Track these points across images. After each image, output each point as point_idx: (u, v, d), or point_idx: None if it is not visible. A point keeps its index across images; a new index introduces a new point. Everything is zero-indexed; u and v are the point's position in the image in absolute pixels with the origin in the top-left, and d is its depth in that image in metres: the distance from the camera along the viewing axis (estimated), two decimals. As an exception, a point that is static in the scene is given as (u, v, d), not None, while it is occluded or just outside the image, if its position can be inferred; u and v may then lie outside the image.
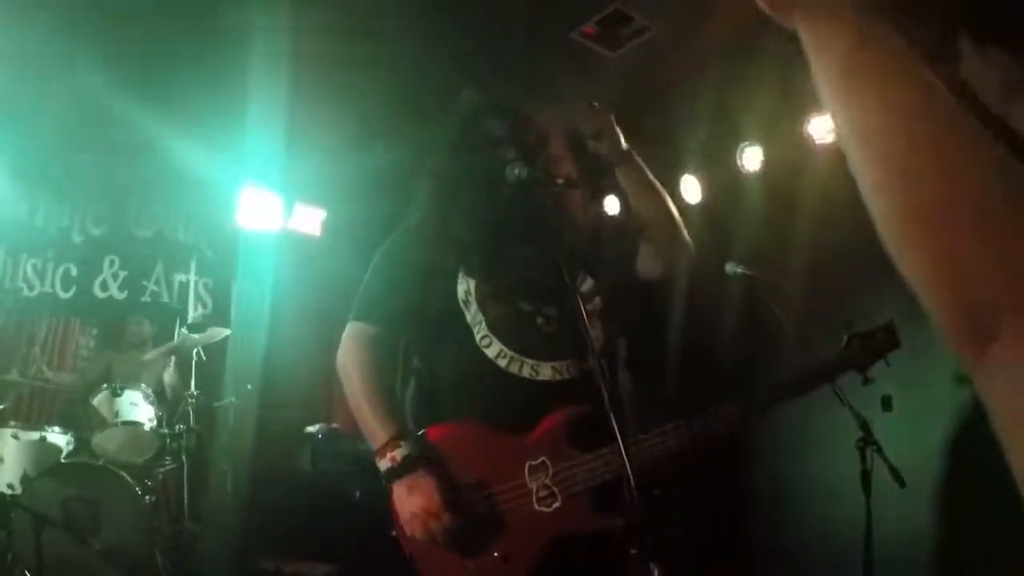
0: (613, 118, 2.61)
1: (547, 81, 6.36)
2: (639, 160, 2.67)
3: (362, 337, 2.60)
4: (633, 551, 2.00)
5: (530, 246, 2.56)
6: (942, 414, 5.63)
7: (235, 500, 7.09)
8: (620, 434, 1.98)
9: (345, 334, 2.64)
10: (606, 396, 2.03)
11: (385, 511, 2.47)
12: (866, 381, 2.68)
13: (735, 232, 6.18)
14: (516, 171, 2.39)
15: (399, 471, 2.37)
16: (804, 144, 6.41)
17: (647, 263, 2.74)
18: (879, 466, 4.63)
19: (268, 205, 8.22)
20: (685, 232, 2.73)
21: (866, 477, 4.82)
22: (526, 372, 2.48)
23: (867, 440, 4.57)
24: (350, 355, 2.59)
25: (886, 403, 5.59)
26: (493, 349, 2.49)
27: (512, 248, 2.59)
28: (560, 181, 2.50)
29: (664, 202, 2.70)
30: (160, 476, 6.65)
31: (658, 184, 2.70)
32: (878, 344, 2.60)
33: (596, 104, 2.61)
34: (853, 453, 4.86)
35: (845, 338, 2.60)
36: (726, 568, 5.77)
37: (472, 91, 2.80)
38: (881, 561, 4.78)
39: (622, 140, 2.64)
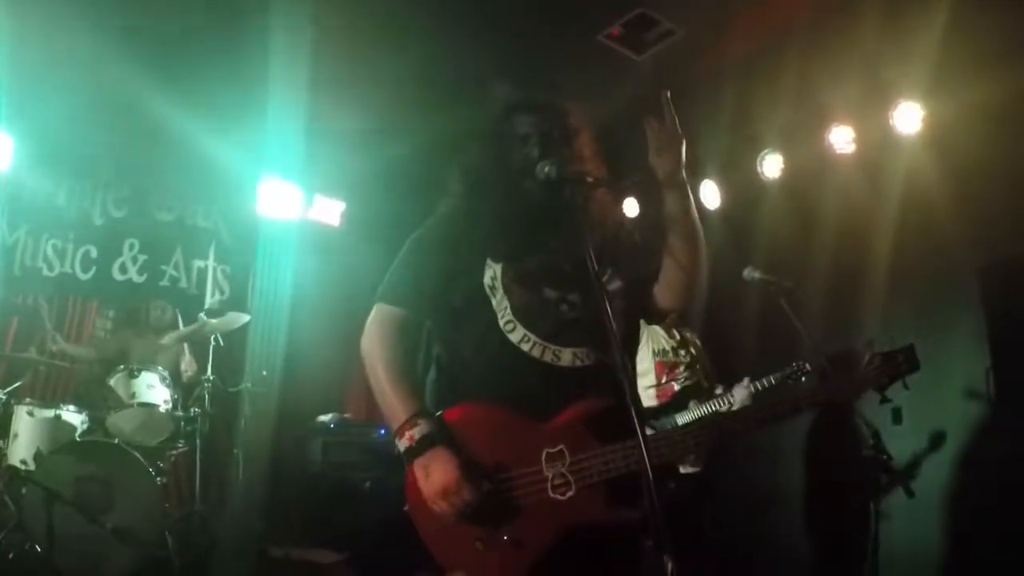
0: (684, 142, 2.55)
1: (570, 79, 6.38)
2: (691, 194, 2.62)
3: (387, 319, 2.64)
4: (648, 543, 2.03)
5: (557, 235, 2.58)
6: (951, 427, 5.64)
7: (246, 486, 7.14)
8: (640, 428, 2.01)
9: (371, 316, 2.67)
10: (628, 389, 2.07)
11: (396, 495, 2.50)
12: (883, 400, 2.70)
13: (754, 238, 6.21)
14: (546, 169, 2.44)
15: (417, 449, 2.39)
16: (825, 153, 6.42)
17: (664, 293, 2.74)
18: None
19: (288, 195, 8.33)
20: (704, 276, 2.72)
21: (875, 487, 4.84)
22: (548, 357, 2.51)
23: (878, 451, 4.58)
24: (375, 336, 2.62)
25: (896, 416, 5.60)
26: (517, 334, 2.52)
27: (539, 236, 2.62)
28: (589, 179, 2.51)
29: (700, 247, 2.66)
30: (172, 459, 6.70)
31: (700, 226, 2.66)
32: (898, 365, 2.61)
33: (668, 96, 2.51)
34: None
35: (867, 356, 2.61)
36: (732, 569, 5.78)
37: (505, 85, 2.83)
38: (887, 570, 4.80)
39: (683, 165, 2.57)
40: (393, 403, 2.49)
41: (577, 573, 2.38)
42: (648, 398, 4.90)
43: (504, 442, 2.42)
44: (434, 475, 2.34)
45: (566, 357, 2.52)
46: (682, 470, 4.72)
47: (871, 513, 4.69)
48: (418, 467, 2.38)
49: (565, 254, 2.57)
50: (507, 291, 2.57)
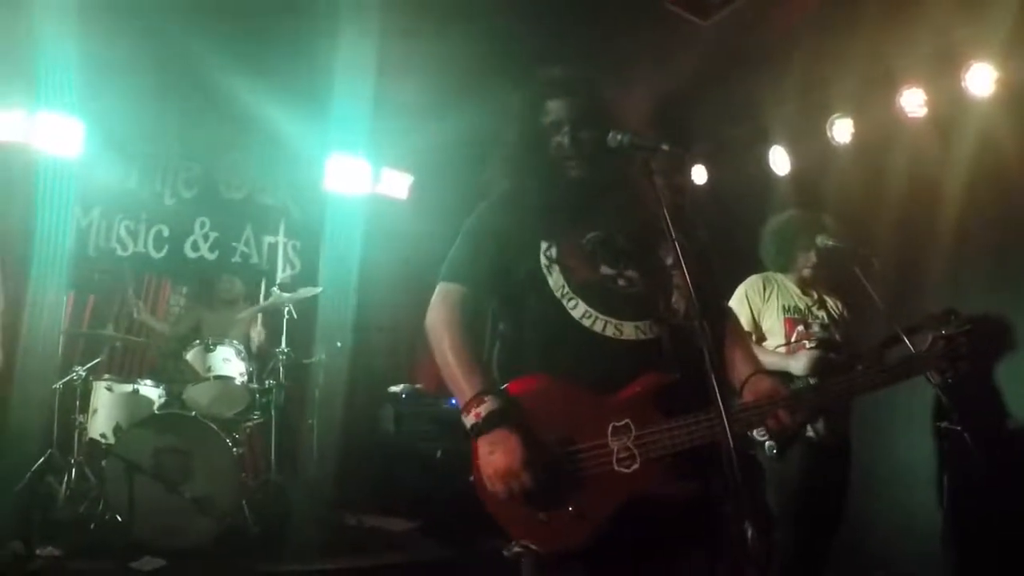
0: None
1: (635, 47, 6.32)
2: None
3: (451, 297, 2.67)
4: (727, 510, 2.03)
5: (609, 211, 2.63)
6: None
7: (320, 455, 7.25)
8: (721, 397, 2.03)
9: (435, 294, 2.72)
10: (708, 357, 2.08)
11: (467, 464, 2.51)
12: (946, 381, 2.70)
13: (824, 204, 6.10)
14: (619, 138, 2.45)
15: (483, 427, 2.41)
16: (896, 117, 6.30)
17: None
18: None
19: (356, 170, 8.41)
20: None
21: (947, 461, 4.74)
22: (610, 331, 2.51)
23: (951, 423, 4.44)
24: (439, 314, 2.66)
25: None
26: (579, 310, 2.54)
27: (590, 214, 2.65)
28: (664, 148, 2.45)
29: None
30: (248, 430, 6.84)
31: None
32: (957, 348, 2.63)
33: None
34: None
35: (929, 339, 2.61)
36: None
37: (542, 68, 2.82)
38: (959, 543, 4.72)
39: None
40: (459, 380, 2.53)
41: (640, 546, 2.38)
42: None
43: (570, 415, 2.44)
44: (497, 456, 2.35)
45: (628, 331, 2.52)
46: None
47: (944, 487, 4.60)
48: (483, 444, 2.40)
49: (619, 229, 2.61)
50: (564, 269, 2.59)
